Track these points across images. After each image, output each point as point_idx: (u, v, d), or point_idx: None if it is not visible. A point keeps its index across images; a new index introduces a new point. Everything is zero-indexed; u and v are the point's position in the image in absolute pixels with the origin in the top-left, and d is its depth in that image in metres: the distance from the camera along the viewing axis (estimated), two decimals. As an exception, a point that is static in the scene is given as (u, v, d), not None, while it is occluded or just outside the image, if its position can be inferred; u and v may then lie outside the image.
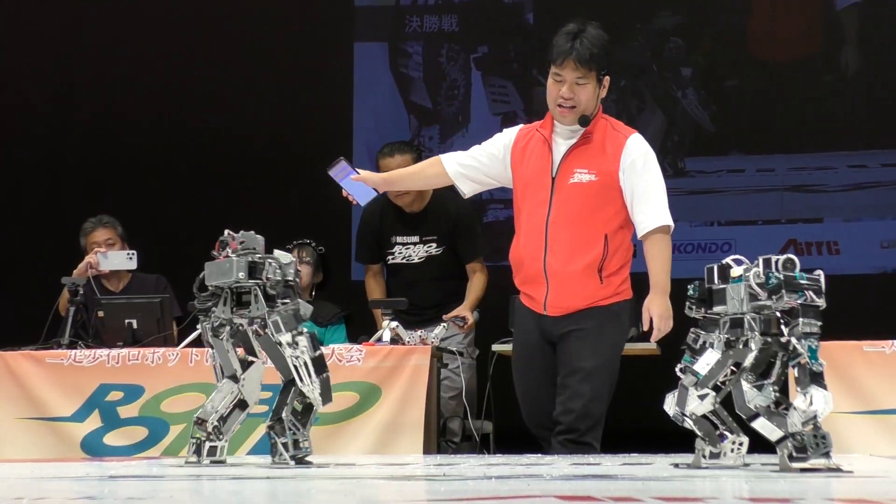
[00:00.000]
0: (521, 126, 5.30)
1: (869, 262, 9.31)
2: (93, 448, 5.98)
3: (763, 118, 9.48)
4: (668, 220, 5.03)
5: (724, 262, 3.99)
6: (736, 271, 3.94)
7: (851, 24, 9.50)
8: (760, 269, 3.86)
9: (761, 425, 3.86)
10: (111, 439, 6.00)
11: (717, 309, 3.96)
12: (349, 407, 5.80)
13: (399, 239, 6.88)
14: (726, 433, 4.08)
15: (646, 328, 5.01)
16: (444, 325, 6.25)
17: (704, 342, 4.03)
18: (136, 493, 3.32)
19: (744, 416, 3.90)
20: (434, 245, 6.81)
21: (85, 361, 6.05)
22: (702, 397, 3.99)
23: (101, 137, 9.70)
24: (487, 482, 3.56)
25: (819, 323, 3.82)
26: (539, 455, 4.75)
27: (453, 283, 6.81)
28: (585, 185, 5.03)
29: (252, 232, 4.25)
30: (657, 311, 4.97)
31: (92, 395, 6.02)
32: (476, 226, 6.99)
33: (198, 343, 6.20)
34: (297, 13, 9.76)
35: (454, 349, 6.71)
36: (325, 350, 5.90)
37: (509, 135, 5.25)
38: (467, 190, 5.33)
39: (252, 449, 5.87)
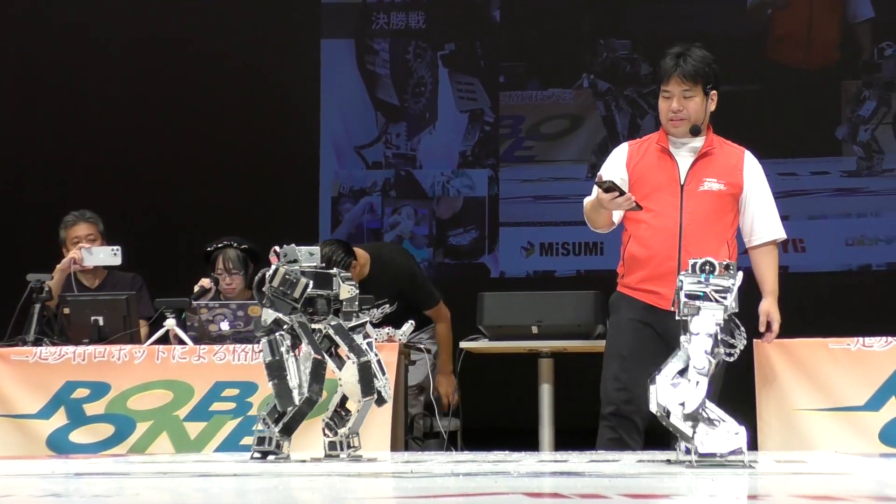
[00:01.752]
0: (626, 144, 5.59)
1: (834, 259, 9.37)
2: (59, 445, 5.94)
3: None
4: (784, 234, 5.56)
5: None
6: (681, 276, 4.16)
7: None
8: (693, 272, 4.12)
9: (674, 423, 3.94)
10: (77, 437, 5.97)
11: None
12: (318, 403, 5.78)
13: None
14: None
15: (762, 329, 5.47)
16: (411, 322, 6.24)
17: None
18: (103, 490, 3.32)
19: (657, 414, 4.01)
20: (387, 306, 6.82)
21: (51, 359, 6.02)
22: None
23: (67, 132, 9.65)
24: (455, 479, 3.57)
25: (718, 322, 4.06)
26: (506, 452, 4.76)
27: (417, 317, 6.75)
28: (715, 193, 5.38)
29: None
30: (776, 317, 5.46)
31: (58, 392, 5.98)
32: (417, 278, 6.99)
33: (164, 340, 6.19)
34: (264, 9, 9.74)
35: (422, 346, 6.72)
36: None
37: (621, 151, 5.53)
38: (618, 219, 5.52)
39: (219, 447, 5.86)
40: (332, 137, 9.78)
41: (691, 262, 4.14)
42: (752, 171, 5.48)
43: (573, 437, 5.30)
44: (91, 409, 5.97)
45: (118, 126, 9.64)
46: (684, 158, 5.44)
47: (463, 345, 6.56)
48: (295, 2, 9.82)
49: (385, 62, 9.82)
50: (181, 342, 6.14)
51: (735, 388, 6.01)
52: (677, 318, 4.12)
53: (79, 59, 9.69)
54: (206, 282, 6.60)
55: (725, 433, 3.92)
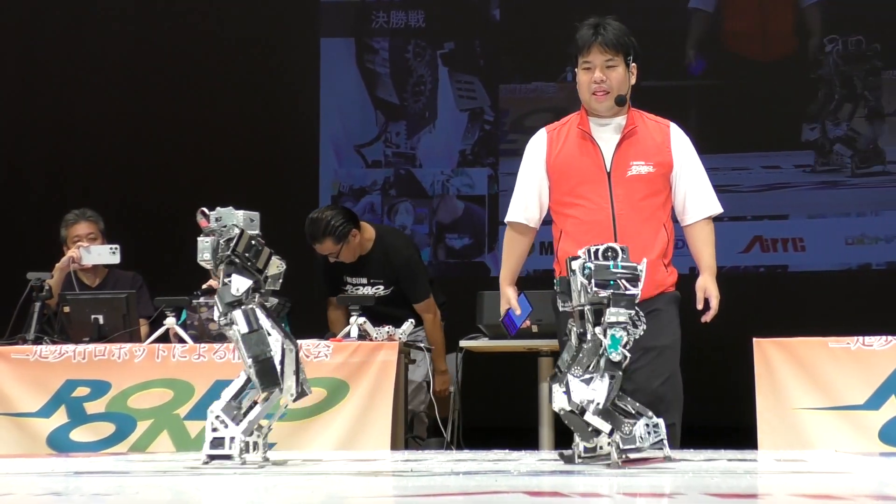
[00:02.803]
0: (543, 131, 5.27)
1: (834, 258, 9.37)
2: (59, 444, 5.94)
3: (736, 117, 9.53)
4: (720, 208, 5.25)
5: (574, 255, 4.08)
6: (574, 264, 4.02)
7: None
8: (587, 260, 3.99)
9: (591, 419, 3.87)
10: (78, 435, 5.97)
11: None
12: (316, 403, 5.79)
13: (350, 279, 6.89)
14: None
15: (700, 307, 5.16)
16: (411, 320, 6.25)
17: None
18: (103, 489, 3.32)
19: (569, 411, 3.91)
20: (382, 287, 6.83)
21: (51, 357, 6.02)
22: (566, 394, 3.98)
23: (67, 131, 9.65)
24: (455, 478, 3.57)
25: (629, 311, 3.94)
26: (506, 451, 4.76)
27: (409, 313, 6.75)
28: (644, 177, 5.10)
29: None
30: (714, 293, 5.14)
31: (58, 390, 5.99)
32: (413, 267, 6.98)
33: (164, 339, 6.19)
34: (263, 8, 9.74)
35: (422, 345, 6.73)
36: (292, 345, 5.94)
37: (539, 142, 5.24)
38: (539, 225, 5.31)
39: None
40: (331, 136, 9.79)
41: (591, 248, 4.03)
42: (680, 146, 5.17)
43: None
44: (91, 407, 5.97)
45: (118, 124, 9.64)
46: (607, 142, 5.11)
47: (463, 343, 6.56)
48: (294, 1, 9.82)
49: (385, 61, 9.82)
50: (181, 341, 6.14)
51: (733, 387, 6.02)
52: (576, 306, 4.02)
53: (79, 57, 9.69)
54: (213, 282, 6.62)
55: (645, 426, 3.87)
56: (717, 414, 7.51)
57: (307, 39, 9.81)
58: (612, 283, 3.96)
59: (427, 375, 6.63)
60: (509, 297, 5.17)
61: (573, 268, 4.03)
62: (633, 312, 3.95)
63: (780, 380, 5.63)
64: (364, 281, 6.87)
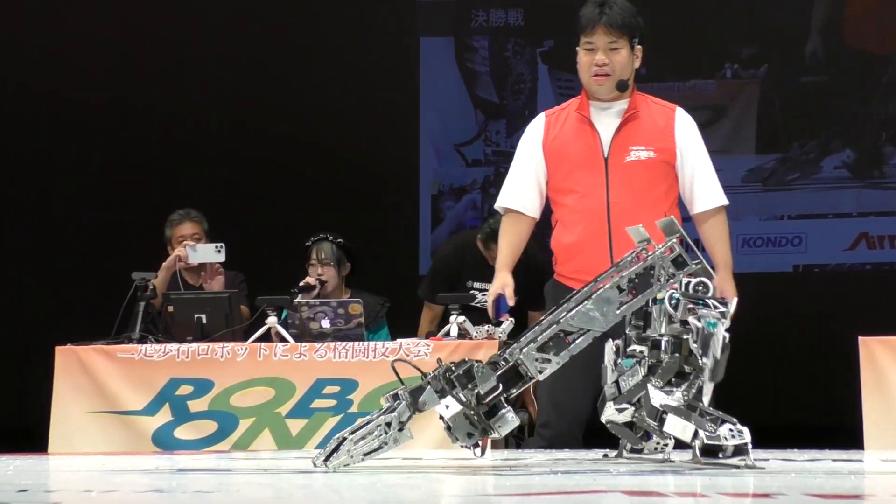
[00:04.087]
0: (542, 115, 5.11)
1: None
2: (163, 441, 6.02)
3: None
4: (727, 199, 4.98)
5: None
6: (661, 293, 3.92)
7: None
8: (678, 292, 3.88)
9: (671, 426, 3.82)
10: (181, 433, 6.05)
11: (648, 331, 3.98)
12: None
13: (476, 284, 6.82)
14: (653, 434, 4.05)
15: None
16: (511, 319, 6.23)
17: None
18: (205, 486, 3.35)
19: (652, 419, 3.86)
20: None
21: (155, 356, 6.11)
22: (620, 410, 4.03)
23: (172, 133, 9.76)
24: (554, 476, 3.55)
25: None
26: (606, 450, 4.72)
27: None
28: (644, 163, 4.87)
29: None
30: (731, 291, 4.86)
31: (162, 389, 6.07)
32: (545, 276, 6.90)
33: (266, 338, 6.24)
34: (363, 9, 9.78)
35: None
36: (391, 344, 5.96)
37: (537, 126, 5.06)
38: (540, 212, 5.14)
39: (320, 443, 5.90)
40: (431, 135, 9.81)
41: (684, 280, 3.83)
42: (685, 131, 4.93)
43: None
44: (195, 405, 6.04)
45: (222, 126, 9.74)
46: (607, 126, 4.90)
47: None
48: (393, 0, 9.85)
49: (484, 59, 9.82)
50: (282, 340, 6.19)
51: (839, 386, 5.93)
52: (656, 335, 3.88)
53: (184, 57, 9.79)
54: (311, 279, 6.68)
55: (729, 430, 3.81)
56: (821, 414, 7.42)
57: (406, 39, 9.84)
58: (700, 303, 3.88)
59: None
60: (504, 282, 4.98)
61: (660, 296, 3.91)
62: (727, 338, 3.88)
63: (886, 379, 5.52)
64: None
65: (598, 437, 5.07)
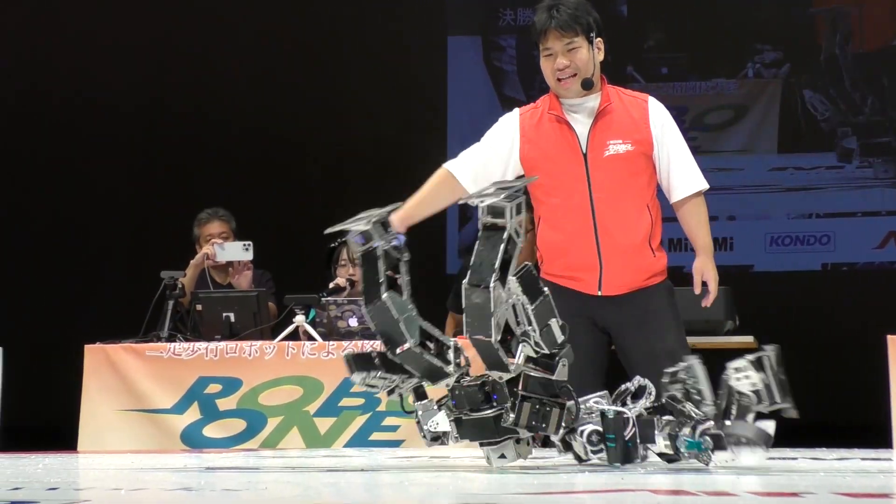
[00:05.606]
0: (516, 111, 5.09)
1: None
2: (192, 440, 6.05)
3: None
4: (706, 184, 4.95)
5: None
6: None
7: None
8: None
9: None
10: (210, 431, 6.07)
11: None
12: (444, 400, 5.80)
13: None
14: None
15: (697, 291, 4.89)
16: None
17: None
18: (233, 484, 3.36)
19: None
20: None
21: (184, 354, 6.13)
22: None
23: (198, 133, 9.80)
24: (581, 475, 3.55)
25: None
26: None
27: None
28: (622, 156, 4.84)
29: None
30: (712, 275, 4.86)
31: (191, 387, 6.10)
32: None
33: (294, 336, 6.26)
34: (391, 8, 9.80)
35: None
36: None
37: (512, 122, 5.05)
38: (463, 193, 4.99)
39: (348, 442, 5.91)
40: (459, 134, 9.80)
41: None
42: (659, 120, 4.89)
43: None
44: (223, 404, 6.07)
45: (246, 126, 9.77)
46: (582, 124, 4.87)
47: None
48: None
49: (511, 58, 9.82)
50: (310, 338, 6.21)
51: (867, 385, 5.91)
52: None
53: (209, 57, 9.83)
54: (341, 280, 6.68)
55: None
56: (849, 412, 7.39)
57: (434, 37, 9.85)
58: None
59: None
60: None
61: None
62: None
63: (916, 378, 5.51)
64: None
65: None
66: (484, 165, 4.98)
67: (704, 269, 4.86)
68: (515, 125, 5.00)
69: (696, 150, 5.07)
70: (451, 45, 9.88)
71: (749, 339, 6.42)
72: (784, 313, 8.33)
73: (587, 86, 4.86)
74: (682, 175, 4.90)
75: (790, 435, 4.89)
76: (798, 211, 9.44)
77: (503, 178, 4.98)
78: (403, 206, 4.97)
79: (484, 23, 9.89)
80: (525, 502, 2.76)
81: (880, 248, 9.27)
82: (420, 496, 3.06)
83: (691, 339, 6.08)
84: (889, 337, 5.58)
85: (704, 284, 4.87)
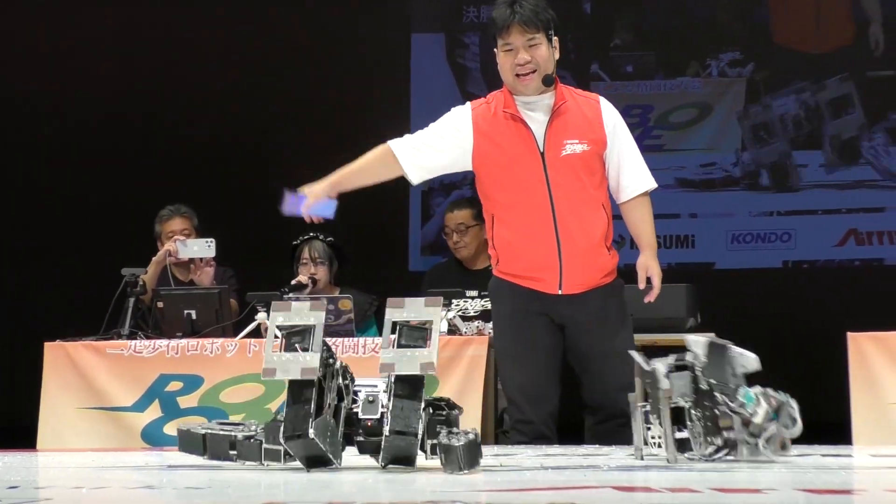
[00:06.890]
0: (468, 105, 5.09)
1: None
2: (153, 438, 6.02)
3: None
4: (654, 183, 5.00)
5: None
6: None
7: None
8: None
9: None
10: (171, 429, 6.03)
11: None
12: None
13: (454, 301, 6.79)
14: None
15: (641, 287, 4.93)
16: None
17: None
18: (195, 482, 3.35)
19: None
20: None
21: (145, 352, 6.10)
22: None
23: (163, 129, 9.76)
24: (544, 472, 3.55)
25: None
26: (597, 446, 4.73)
27: None
28: (580, 156, 4.85)
29: None
30: (657, 271, 4.92)
31: (152, 385, 6.07)
32: None
33: (256, 334, 6.24)
34: (354, 4, 9.78)
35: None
36: (381, 340, 5.94)
37: (465, 115, 5.04)
38: (417, 179, 5.09)
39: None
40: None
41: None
42: (612, 120, 4.92)
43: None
44: (184, 401, 6.04)
45: (212, 122, 9.74)
46: (538, 122, 4.86)
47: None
48: (385, -4, 9.86)
49: (475, 55, 9.81)
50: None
51: (827, 382, 5.94)
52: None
53: (175, 55, 9.78)
54: (303, 278, 6.67)
55: None
56: (810, 409, 7.41)
57: (398, 35, 9.83)
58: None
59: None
60: (318, 191, 5.01)
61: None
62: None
63: (875, 375, 5.54)
64: (475, 293, 6.80)
65: (567, 430, 5.12)
66: (427, 152, 4.99)
67: (649, 265, 4.92)
68: (468, 118, 4.99)
69: (660, 148, 5.12)
70: (414, 42, 9.87)
71: (711, 336, 6.43)
72: (745, 310, 8.36)
73: (548, 82, 4.86)
74: (633, 174, 4.94)
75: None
76: (759, 209, 9.49)
77: (448, 170, 5.04)
78: (338, 171, 5.04)
79: (448, 20, 9.87)
80: (490, 499, 2.76)
81: (840, 245, 9.33)
82: (388, 493, 3.06)
83: (654, 336, 6.13)
84: (849, 334, 5.61)
85: (648, 280, 4.91)
